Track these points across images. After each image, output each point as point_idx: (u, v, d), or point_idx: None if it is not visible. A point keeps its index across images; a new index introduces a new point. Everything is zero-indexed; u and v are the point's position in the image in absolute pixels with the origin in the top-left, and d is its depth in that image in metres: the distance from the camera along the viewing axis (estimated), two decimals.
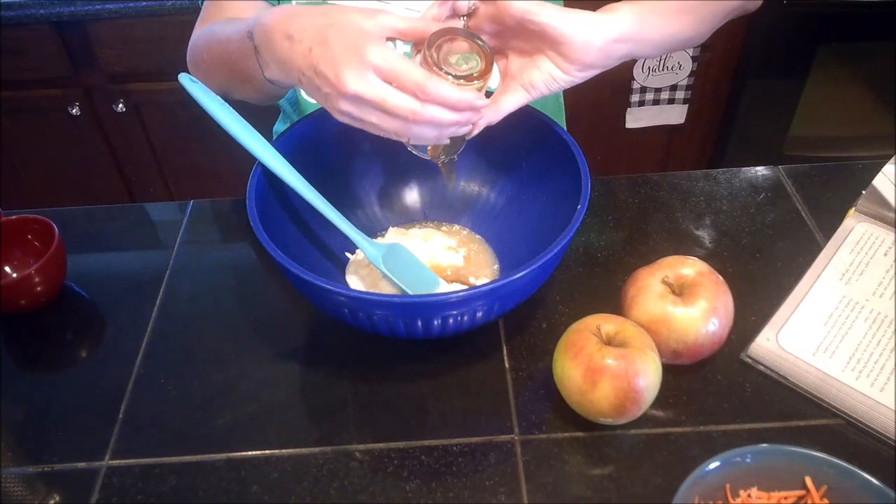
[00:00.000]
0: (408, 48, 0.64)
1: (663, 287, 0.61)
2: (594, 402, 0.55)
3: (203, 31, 0.73)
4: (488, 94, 0.60)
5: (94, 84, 1.59)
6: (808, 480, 0.51)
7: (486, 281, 0.71)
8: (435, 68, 0.55)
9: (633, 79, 1.61)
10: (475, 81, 0.56)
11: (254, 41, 0.60)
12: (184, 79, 0.65)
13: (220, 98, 0.65)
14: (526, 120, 0.70)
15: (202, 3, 0.81)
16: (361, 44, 0.53)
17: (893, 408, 0.57)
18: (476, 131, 0.60)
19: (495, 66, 0.59)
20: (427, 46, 0.56)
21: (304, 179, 0.65)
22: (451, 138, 0.61)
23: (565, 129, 0.97)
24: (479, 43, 0.58)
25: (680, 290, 0.61)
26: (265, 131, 0.68)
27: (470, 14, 0.59)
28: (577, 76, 0.59)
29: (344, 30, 0.54)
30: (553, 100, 0.94)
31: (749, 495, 0.51)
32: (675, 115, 1.69)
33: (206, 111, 0.64)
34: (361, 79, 0.53)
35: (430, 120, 0.54)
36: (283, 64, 0.58)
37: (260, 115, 0.79)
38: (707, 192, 0.81)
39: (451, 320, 0.57)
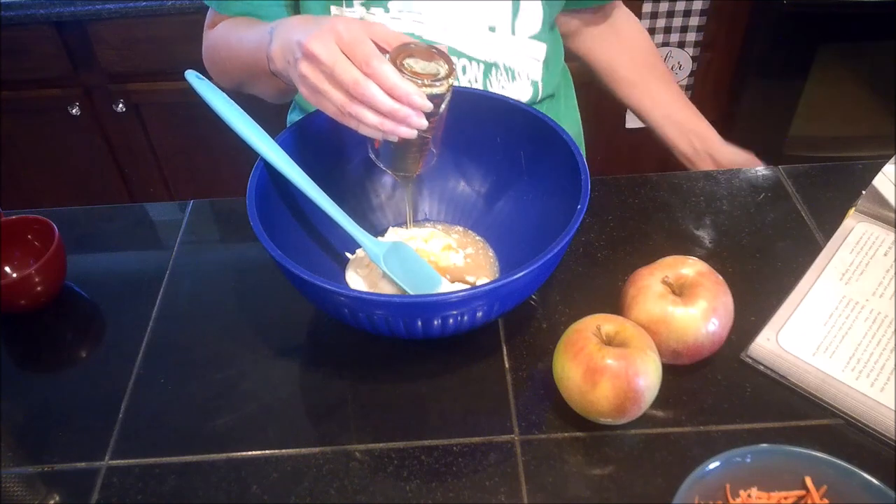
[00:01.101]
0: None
1: (663, 287, 0.61)
2: (594, 402, 0.55)
3: (222, 32, 0.81)
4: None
5: (94, 84, 1.59)
6: (808, 480, 0.51)
7: (486, 281, 0.71)
8: (391, 63, 0.59)
9: None
10: (423, 81, 0.58)
11: (272, 34, 0.66)
12: (190, 76, 0.66)
13: (225, 95, 0.66)
14: (526, 120, 0.70)
15: (209, 6, 0.85)
16: (341, 20, 0.59)
17: (893, 408, 0.57)
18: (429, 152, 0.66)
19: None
20: (395, 50, 0.60)
21: (307, 176, 0.66)
22: (401, 151, 0.64)
23: (583, 145, 0.99)
24: (442, 61, 0.61)
25: (680, 290, 0.61)
26: (275, 127, 0.69)
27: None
28: None
29: (342, 17, 0.60)
30: (574, 127, 0.99)
31: (749, 495, 0.51)
32: None
33: (211, 107, 0.65)
34: (322, 42, 0.58)
35: (369, 96, 0.57)
36: (283, 48, 0.64)
37: (269, 114, 0.79)
38: (707, 192, 0.81)
39: (451, 320, 0.57)
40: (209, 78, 0.67)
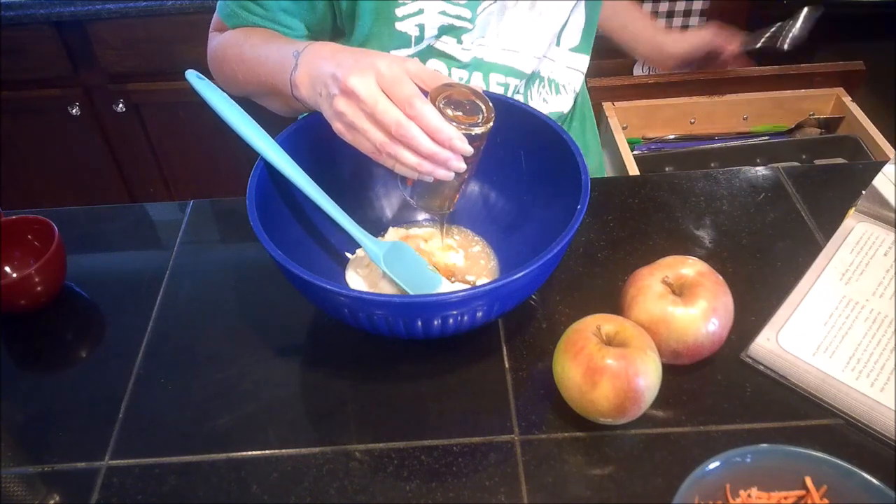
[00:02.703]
0: None
1: (663, 287, 0.61)
2: (594, 402, 0.55)
3: (232, 41, 0.76)
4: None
5: (94, 84, 1.59)
6: (808, 480, 0.51)
7: (486, 281, 0.71)
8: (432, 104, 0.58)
9: None
10: (464, 125, 0.58)
11: (297, 59, 0.64)
12: (190, 76, 0.66)
13: (225, 95, 0.66)
14: (526, 120, 0.70)
15: (216, 5, 0.83)
16: (378, 57, 0.58)
17: (893, 408, 0.57)
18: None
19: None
20: (435, 90, 0.59)
21: (307, 177, 0.66)
22: (435, 190, 0.64)
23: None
24: (480, 102, 0.61)
25: (680, 290, 0.61)
26: (275, 127, 0.69)
27: None
28: None
29: (375, 52, 0.60)
30: (596, 155, 0.98)
31: (749, 495, 0.51)
32: None
33: (212, 108, 0.65)
34: (363, 79, 0.57)
35: (410, 138, 0.56)
36: (313, 78, 0.62)
37: (269, 114, 0.79)
38: (707, 192, 0.81)
39: (451, 320, 0.57)
40: (212, 80, 0.67)
